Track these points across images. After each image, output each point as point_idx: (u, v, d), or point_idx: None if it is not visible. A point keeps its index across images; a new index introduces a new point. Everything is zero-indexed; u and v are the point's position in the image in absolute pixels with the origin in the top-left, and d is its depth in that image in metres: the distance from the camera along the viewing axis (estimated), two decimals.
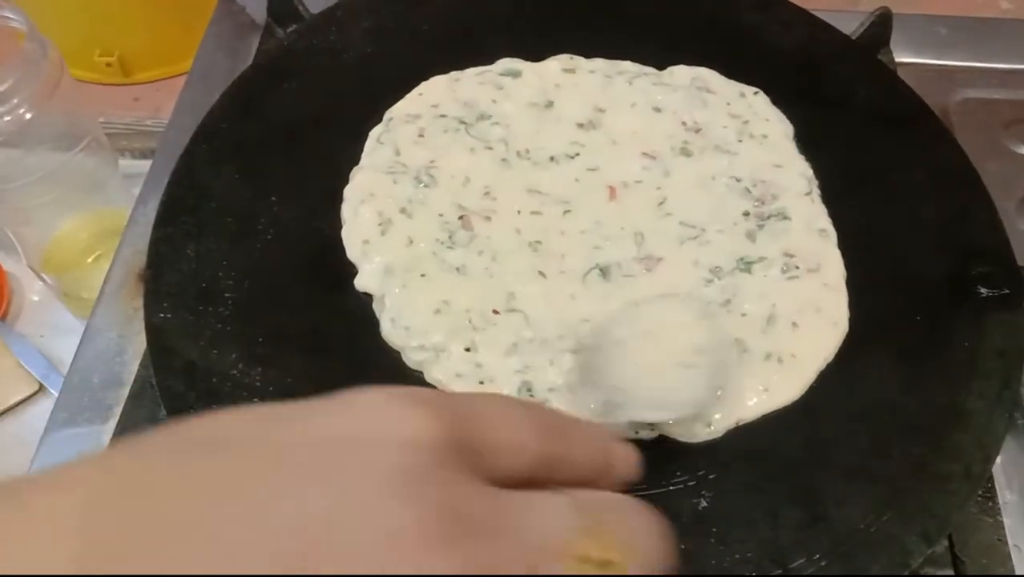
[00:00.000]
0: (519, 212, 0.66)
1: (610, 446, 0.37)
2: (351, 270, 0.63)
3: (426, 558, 0.26)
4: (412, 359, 0.59)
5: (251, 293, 0.61)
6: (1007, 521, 0.61)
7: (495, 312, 0.60)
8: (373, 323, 0.61)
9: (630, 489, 0.51)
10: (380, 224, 0.64)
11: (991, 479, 0.61)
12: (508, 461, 0.31)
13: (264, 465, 0.27)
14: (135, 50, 0.99)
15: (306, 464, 0.27)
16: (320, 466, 0.27)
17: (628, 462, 0.38)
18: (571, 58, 0.75)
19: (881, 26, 0.82)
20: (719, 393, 0.56)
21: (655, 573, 0.32)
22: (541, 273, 0.63)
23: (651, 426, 0.57)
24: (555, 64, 0.74)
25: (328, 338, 0.60)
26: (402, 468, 0.27)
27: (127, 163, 0.94)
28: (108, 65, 0.98)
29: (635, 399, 0.54)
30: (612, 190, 0.67)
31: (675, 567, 0.34)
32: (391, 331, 0.60)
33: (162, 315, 0.59)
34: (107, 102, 0.98)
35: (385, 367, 0.59)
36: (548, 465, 0.32)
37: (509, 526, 0.29)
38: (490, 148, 0.69)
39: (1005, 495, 0.62)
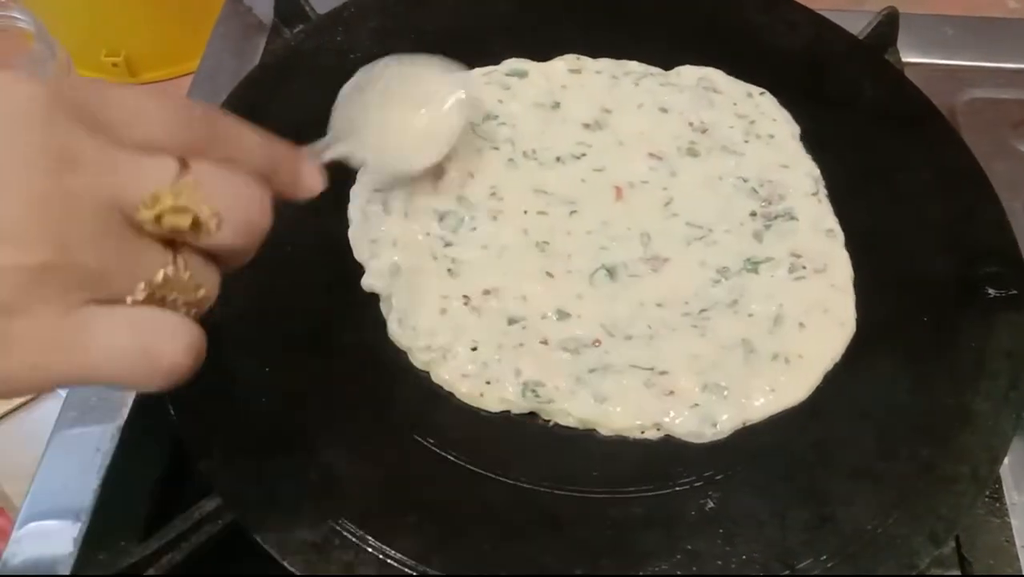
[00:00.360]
0: (525, 212, 0.66)
1: (279, 152, 0.44)
2: (358, 270, 0.63)
3: (21, 178, 0.33)
4: (419, 359, 0.59)
5: (258, 293, 0.61)
6: (1014, 522, 0.61)
7: (506, 317, 0.60)
8: (380, 323, 0.61)
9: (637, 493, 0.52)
10: (387, 224, 0.64)
11: (999, 480, 0.61)
12: (130, 131, 0.37)
13: None
14: (141, 50, 0.99)
15: None
16: None
17: (293, 164, 0.45)
18: (577, 58, 0.75)
19: (888, 26, 0.82)
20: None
21: (241, 238, 0.39)
22: (548, 273, 0.63)
23: (657, 426, 0.57)
24: (561, 64, 0.74)
25: (335, 338, 0.60)
26: (11, 112, 0.34)
27: None
28: (114, 65, 0.98)
29: (361, 140, 0.57)
30: (618, 190, 0.67)
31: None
32: (398, 331, 0.60)
33: None
34: None
35: (392, 367, 0.59)
36: (191, 148, 0.38)
37: (107, 165, 0.35)
38: (496, 148, 0.69)
39: (1012, 496, 0.62)
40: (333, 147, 0.54)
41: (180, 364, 0.37)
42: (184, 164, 0.38)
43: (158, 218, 0.36)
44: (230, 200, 0.39)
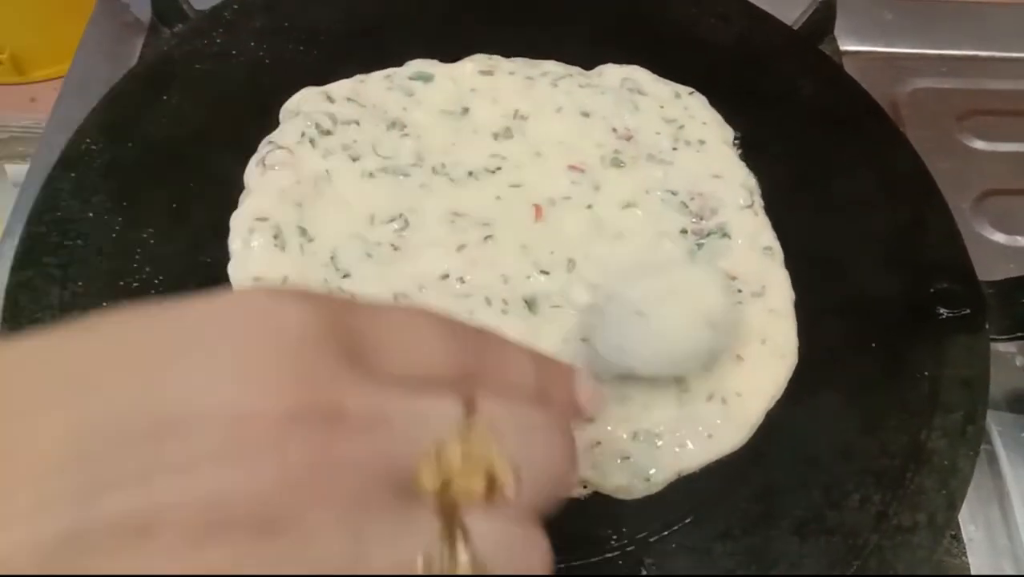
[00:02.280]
0: (436, 239, 0.59)
1: (552, 370, 0.35)
2: None
3: (279, 440, 0.25)
4: None
5: None
6: (972, 561, 0.56)
7: None
8: None
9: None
10: (273, 257, 0.57)
11: None
12: (402, 361, 0.30)
13: (125, 344, 0.27)
14: (28, 46, 0.90)
15: (167, 341, 0.27)
16: (181, 344, 0.27)
17: (571, 389, 0.36)
18: (489, 58, 0.68)
19: (825, 13, 0.76)
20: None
21: (540, 505, 0.30)
22: (459, 307, 0.56)
23: (583, 483, 0.51)
24: (471, 66, 0.67)
25: None
26: (265, 353, 0.27)
27: (23, 169, 0.85)
28: None
29: (632, 354, 0.51)
30: (538, 209, 0.61)
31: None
32: None
33: None
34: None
35: None
36: (466, 375, 0.31)
37: (378, 419, 0.27)
38: (399, 166, 0.62)
39: (969, 530, 0.58)
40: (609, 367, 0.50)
41: None
42: (470, 403, 0.29)
43: (444, 485, 0.28)
44: (533, 450, 0.30)
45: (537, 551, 0.30)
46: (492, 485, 0.28)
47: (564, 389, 0.36)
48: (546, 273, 0.58)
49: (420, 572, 0.26)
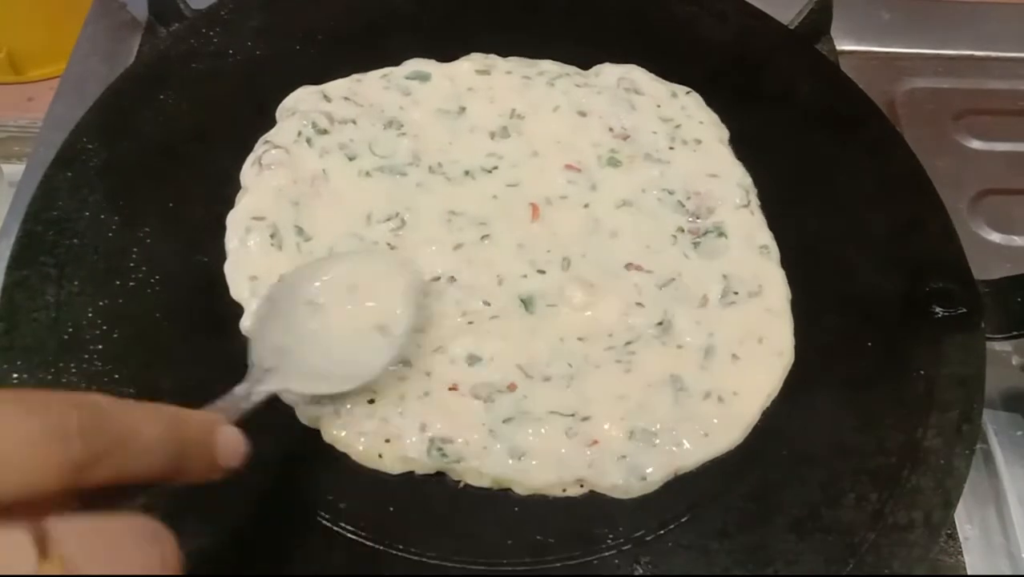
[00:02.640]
0: (433, 238, 0.59)
1: (188, 431, 0.35)
2: (237, 310, 0.55)
3: None
4: (306, 415, 0.52)
5: (121, 343, 0.54)
6: (968, 559, 0.56)
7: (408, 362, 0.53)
8: None
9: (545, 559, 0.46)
10: (269, 257, 0.57)
11: None
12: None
13: None
14: (26, 45, 0.90)
15: None
16: None
17: (205, 447, 0.36)
18: (485, 57, 0.68)
19: (821, 12, 0.76)
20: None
21: None
22: (457, 308, 0.56)
23: (580, 482, 0.51)
24: (468, 65, 0.67)
25: (210, 393, 0.52)
26: None
27: (19, 169, 0.84)
28: None
29: (298, 365, 0.48)
30: (535, 208, 0.61)
31: None
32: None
33: (16, 376, 0.51)
34: None
35: (275, 424, 0.52)
36: (73, 475, 0.29)
37: None
38: (396, 165, 0.62)
39: (965, 529, 0.58)
40: (259, 388, 0.46)
41: None
42: (42, 542, 0.28)
43: None
44: (116, 571, 0.29)
45: None
46: None
47: (203, 453, 0.36)
48: (542, 272, 0.58)
49: None
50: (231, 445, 0.38)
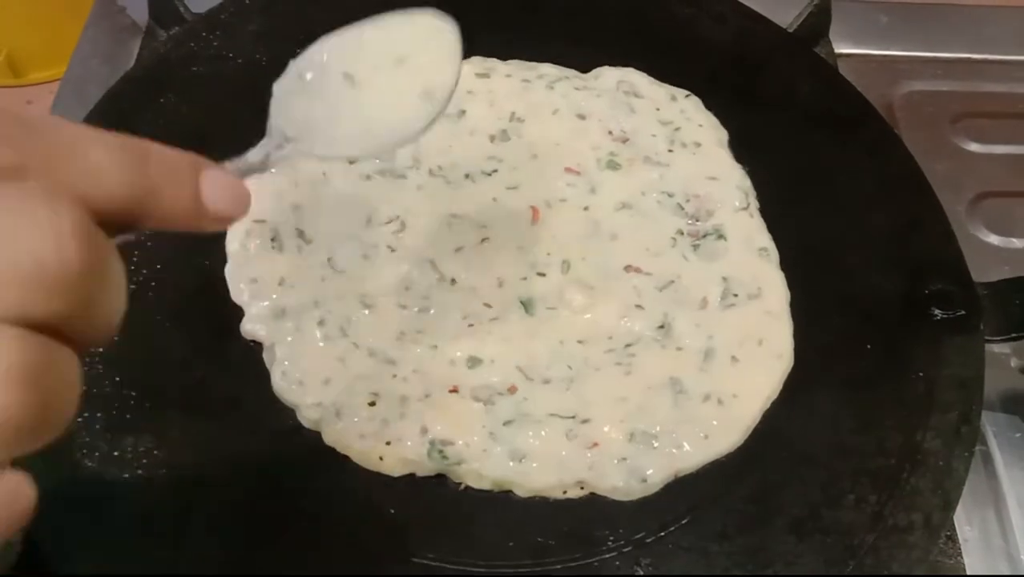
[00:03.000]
0: (431, 240, 0.59)
1: (145, 159, 0.29)
2: (238, 313, 0.56)
3: None
4: (308, 417, 0.52)
5: (120, 345, 0.53)
6: (967, 561, 0.56)
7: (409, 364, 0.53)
8: (263, 376, 0.53)
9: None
10: (270, 260, 0.57)
11: None
12: None
13: None
14: (25, 48, 0.90)
15: None
16: None
17: (183, 181, 0.31)
18: (485, 61, 0.68)
19: (820, 16, 0.76)
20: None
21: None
22: (457, 312, 0.56)
23: (581, 484, 0.51)
24: (467, 68, 0.67)
25: (211, 396, 0.53)
26: None
27: None
28: None
29: (325, 130, 0.44)
30: (535, 211, 0.61)
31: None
32: (283, 385, 0.52)
33: None
34: None
35: (277, 428, 0.52)
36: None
37: None
38: (396, 168, 0.62)
39: (965, 531, 0.58)
40: (285, 149, 0.42)
41: None
42: None
43: None
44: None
45: None
46: None
47: (179, 188, 0.31)
48: (542, 275, 0.58)
49: None
50: (222, 186, 0.32)
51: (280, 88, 0.46)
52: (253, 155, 0.40)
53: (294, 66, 0.46)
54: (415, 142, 0.47)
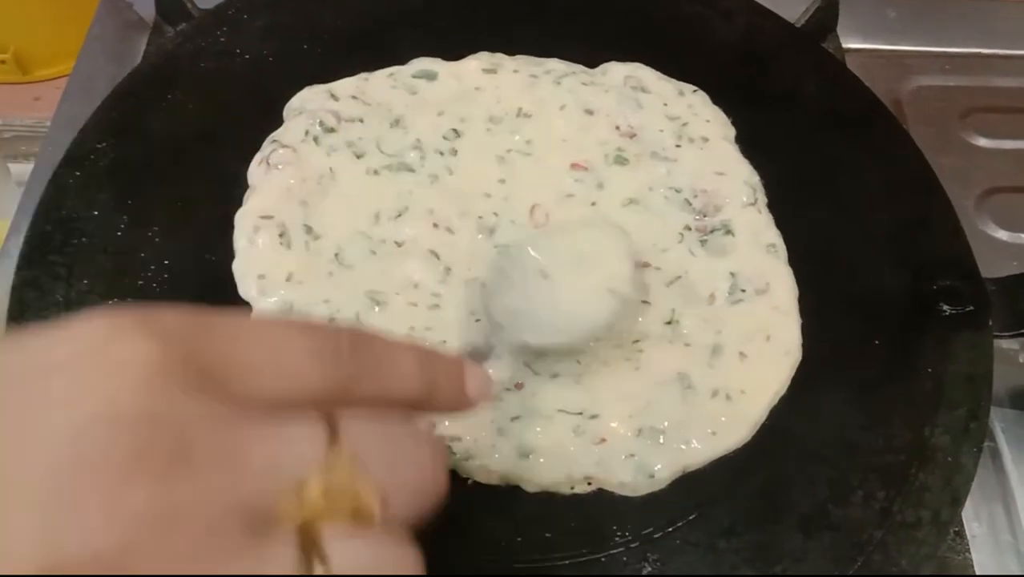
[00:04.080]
0: (441, 234, 0.59)
1: (439, 366, 0.35)
2: (245, 309, 0.56)
3: (117, 490, 0.24)
4: None
5: None
6: (976, 557, 0.56)
7: None
8: None
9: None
10: (278, 256, 0.57)
11: None
12: (268, 383, 0.29)
13: None
14: (33, 44, 0.90)
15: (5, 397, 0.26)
16: (21, 397, 0.26)
17: (455, 378, 0.37)
18: (492, 56, 0.68)
19: (827, 10, 0.76)
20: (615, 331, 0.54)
21: (412, 523, 0.30)
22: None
23: (588, 480, 0.51)
24: (474, 64, 0.67)
25: None
26: (101, 393, 0.25)
27: (26, 168, 0.85)
28: (2, 62, 0.89)
29: (528, 323, 0.51)
30: (542, 207, 0.61)
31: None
32: None
33: None
34: (3, 102, 0.88)
35: None
36: (341, 388, 0.30)
37: (231, 455, 0.26)
38: (405, 163, 0.62)
39: (973, 528, 0.58)
40: (500, 336, 0.50)
41: None
42: (334, 428, 0.29)
43: (305, 521, 0.27)
44: (398, 469, 0.30)
45: (404, 566, 0.29)
46: (357, 512, 0.28)
47: (453, 384, 0.36)
48: None
49: None
50: (479, 379, 0.38)
51: (489, 282, 0.55)
52: (478, 342, 0.50)
53: (497, 261, 0.55)
54: (607, 334, 0.53)
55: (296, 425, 0.28)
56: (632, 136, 0.64)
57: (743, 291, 0.57)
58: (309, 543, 0.27)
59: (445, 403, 0.36)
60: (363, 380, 0.31)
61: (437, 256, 0.58)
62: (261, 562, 0.26)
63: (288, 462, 0.27)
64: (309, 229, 0.58)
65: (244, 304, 0.56)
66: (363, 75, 0.67)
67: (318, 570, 0.27)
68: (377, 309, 0.55)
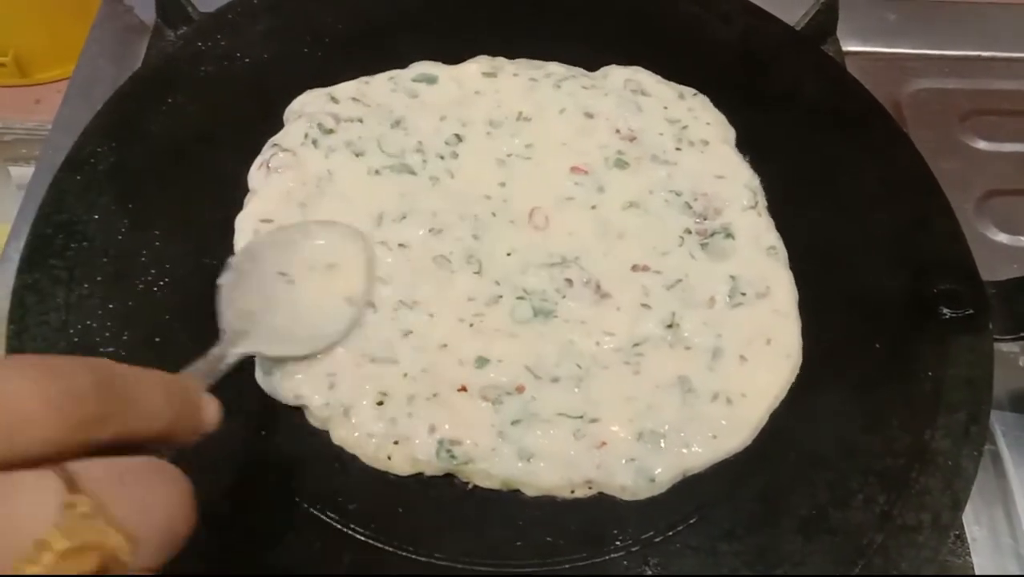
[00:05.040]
0: (438, 241, 0.59)
1: (181, 395, 0.36)
2: None
3: None
4: (316, 417, 0.52)
5: (131, 345, 0.54)
6: (976, 560, 0.56)
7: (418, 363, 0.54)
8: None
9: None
10: None
11: None
12: (17, 439, 0.28)
13: None
14: (33, 48, 0.89)
15: None
16: None
17: (195, 407, 0.38)
18: (492, 60, 0.68)
19: (827, 13, 0.76)
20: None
21: (164, 552, 0.31)
22: (464, 311, 0.56)
23: (589, 484, 0.51)
24: (474, 67, 0.67)
25: (218, 395, 0.52)
26: None
27: (27, 172, 0.84)
28: (2, 65, 0.89)
29: (268, 329, 0.51)
30: (541, 211, 0.61)
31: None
32: (291, 384, 0.53)
33: None
34: (3, 105, 0.88)
35: (287, 428, 0.52)
36: (84, 433, 0.30)
37: None
38: (403, 166, 0.62)
39: (973, 531, 0.58)
40: (232, 350, 0.48)
41: None
42: (72, 482, 0.29)
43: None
44: (148, 512, 0.30)
45: None
46: (107, 562, 0.28)
47: (194, 413, 0.38)
48: (550, 274, 0.58)
49: None
50: (211, 410, 0.39)
51: (224, 281, 0.52)
52: (215, 352, 0.47)
53: (233, 260, 0.53)
54: (341, 342, 0.53)
55: (28, 485, 0.28)
56: (632, 139, 0.64)
57: (743, 294, 0.57)
58: None
59: (185, 434, 0.36)
60: (109, 422, 0.31)
61: (437, 260, 0.58)
62: None
63: (22, 525, 0.27)
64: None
65: None
66: (364, 79, 0.67)
67: None
68: (374, 311, 0.55)
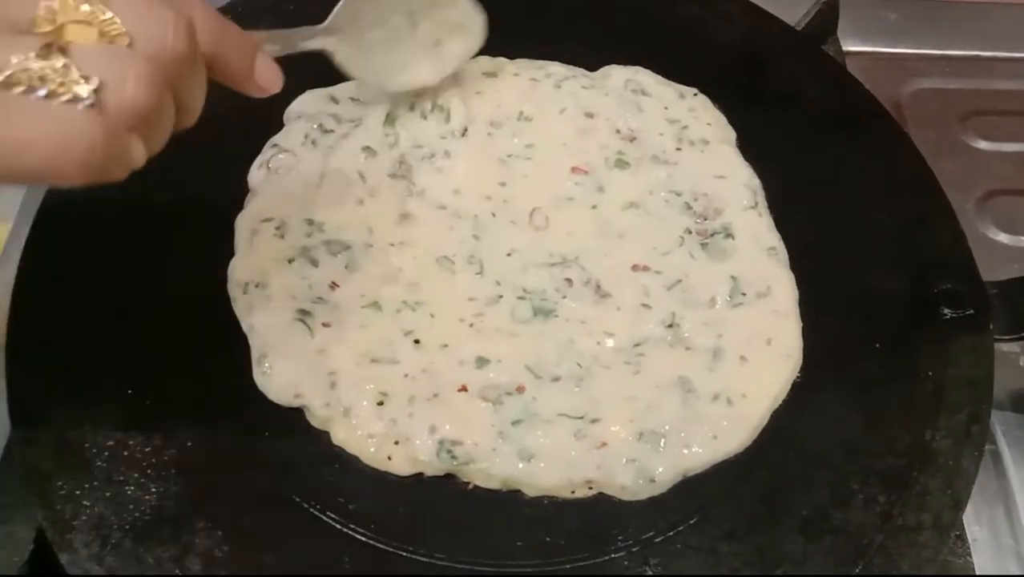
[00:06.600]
0: (439, 238, 0.59)
1: (229, 30, 0.42)
2: None
3: None
4: (316, 417, 0.52)
5: (127, 345, 0.54)
6: (977, 560, 0.56)
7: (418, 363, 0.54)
8: None
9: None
10: (276, 262, 0.57)
11: None
12: None
13: None
14: None
15: None
16: None
17: (247, 58, 0.43)
18: (493, 60, 0.68)
19: (828, 13, 0.76)
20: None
21: (155, 56, 0.36)
22: (464, 311, 0.56)
23: (589, 484, 0.51)
24: (474, 67, 0.67)
25: (219, 396, 0.53)
26: None
27: None
28: None
29: (362, 43, 0.55)
30: (541, 211, 0.61)
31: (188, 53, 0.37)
32: (291, 385, 0.53)
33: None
34: None
35: (285, 429, 0.52)
36: None
37: None
38: (405, 165, 0.62)
39: (974, 531, 0.58)
40: (319, 37, 0.52)
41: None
42: None
43: (59, 31, 0.34)
44: (143, 22, 0.36)
45: (135, 72, 0.35)
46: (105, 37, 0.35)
47: (242, 56, 0.43)
48: (550, 274, 0.58)
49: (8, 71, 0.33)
50: (269, 70, 0.44)
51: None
52: (301, 31, 0.52)
53: None
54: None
55: None
56: (632, 139, 0.64)
57: (744, 294, 0.57)
58: (53, 41, 0.34)
59: (230, 73, 0.42)
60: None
61: (437, 260, 0.58)
62: (10, 48, 0.34)
63: None
64: (309, 233, 0.58)
65: None
66: None
67: (57, 56, 0.34)
68: (376, 312, 0.55)
